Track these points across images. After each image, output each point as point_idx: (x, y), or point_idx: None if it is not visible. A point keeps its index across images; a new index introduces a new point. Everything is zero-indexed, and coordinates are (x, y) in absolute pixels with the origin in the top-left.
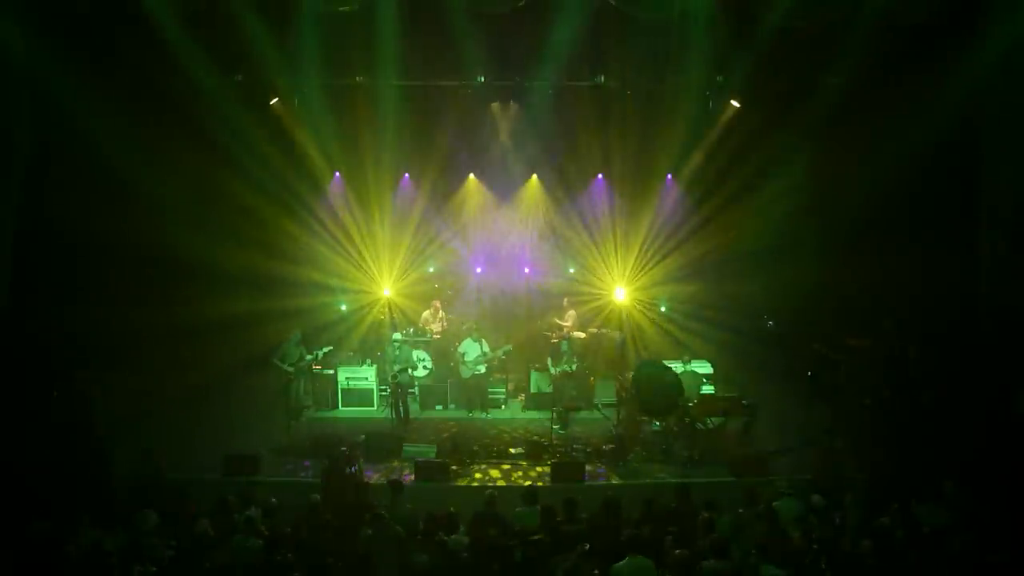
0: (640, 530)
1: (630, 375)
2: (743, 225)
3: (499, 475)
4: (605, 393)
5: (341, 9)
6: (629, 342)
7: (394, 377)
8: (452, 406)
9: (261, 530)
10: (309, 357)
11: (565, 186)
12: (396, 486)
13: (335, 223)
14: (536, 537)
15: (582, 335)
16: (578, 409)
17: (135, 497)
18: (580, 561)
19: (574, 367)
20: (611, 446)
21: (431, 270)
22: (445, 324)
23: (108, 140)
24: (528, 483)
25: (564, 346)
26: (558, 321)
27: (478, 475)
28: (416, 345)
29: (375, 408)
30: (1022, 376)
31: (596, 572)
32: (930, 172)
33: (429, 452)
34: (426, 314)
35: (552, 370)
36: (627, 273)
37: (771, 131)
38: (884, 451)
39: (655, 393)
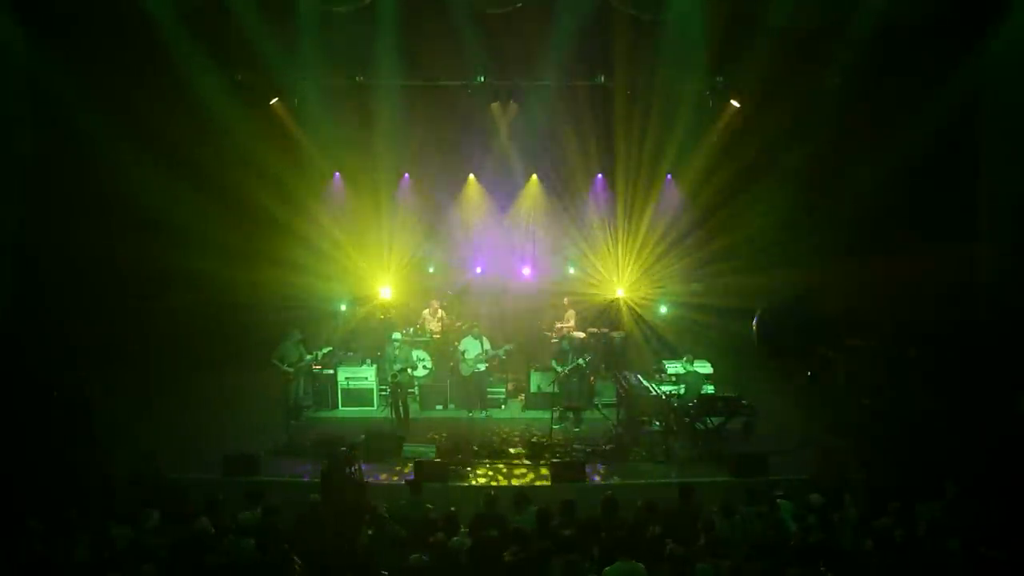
0: (638, 532)
1: (629, 376)
2: (742, 224)
3: (499, 475)
4: (605, 393)
5: (341, 9)
6: (629, 342)
7: (394, 377)
8: (452, 406)
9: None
10: (309, 357)
11: (565, 186)
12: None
13: (335, 223)
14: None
15: (581, 335)
16: (579, 408)
17: (135, 497)
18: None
19: (585, 360)
20: (611, 446)
21: (431, 270)
22: (444, 323)
23: (107, 139)
24: (524, 484)
25: (565, 344)
26: (558, 324)
27: (478, 475)
28: (416, 345)
29: (375, 408)
30: (1022, 377)
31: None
32: (930, 172)
33: (429, 452)
34: (425, 313)
35: (559, 369)
36: (627, 273)
37: (771, 131)
38: (884, 451)
39: None
